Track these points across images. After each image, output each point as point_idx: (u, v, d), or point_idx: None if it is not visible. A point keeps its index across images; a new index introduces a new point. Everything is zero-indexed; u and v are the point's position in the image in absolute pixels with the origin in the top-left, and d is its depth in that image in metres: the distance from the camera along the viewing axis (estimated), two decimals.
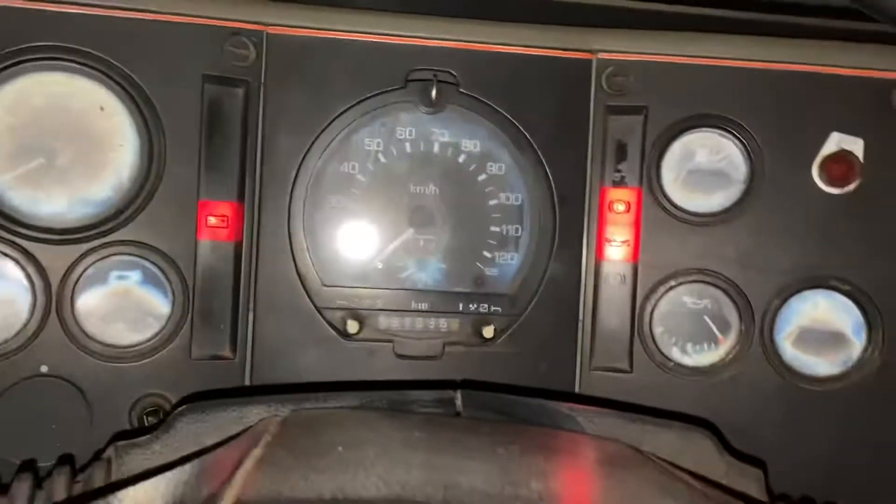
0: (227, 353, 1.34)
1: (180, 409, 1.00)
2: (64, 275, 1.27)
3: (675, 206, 1.42)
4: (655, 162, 1.42)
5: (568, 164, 1.41)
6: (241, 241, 1.34)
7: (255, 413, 0.97)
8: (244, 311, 1.34)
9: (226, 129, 1.33)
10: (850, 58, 1.40)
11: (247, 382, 1.34)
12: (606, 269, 1.43)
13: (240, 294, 1.34)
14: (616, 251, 1.43)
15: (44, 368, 1.25)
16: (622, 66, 1.41)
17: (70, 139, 1.27)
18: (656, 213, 1.42)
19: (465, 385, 1.15)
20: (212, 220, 1.32)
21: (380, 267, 1.41)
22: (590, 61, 1.41)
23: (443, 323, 1.42)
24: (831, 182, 1.42)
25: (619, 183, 1.43)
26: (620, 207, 1.43)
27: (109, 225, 1.28)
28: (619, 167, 1.43)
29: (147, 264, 1.30)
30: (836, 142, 1.42)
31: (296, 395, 1.00)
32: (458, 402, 1.03)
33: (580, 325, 1.42)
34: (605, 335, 1.43)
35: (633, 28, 1.43)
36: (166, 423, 0.98)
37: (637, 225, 1.42)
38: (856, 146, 1.42)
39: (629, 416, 1.06)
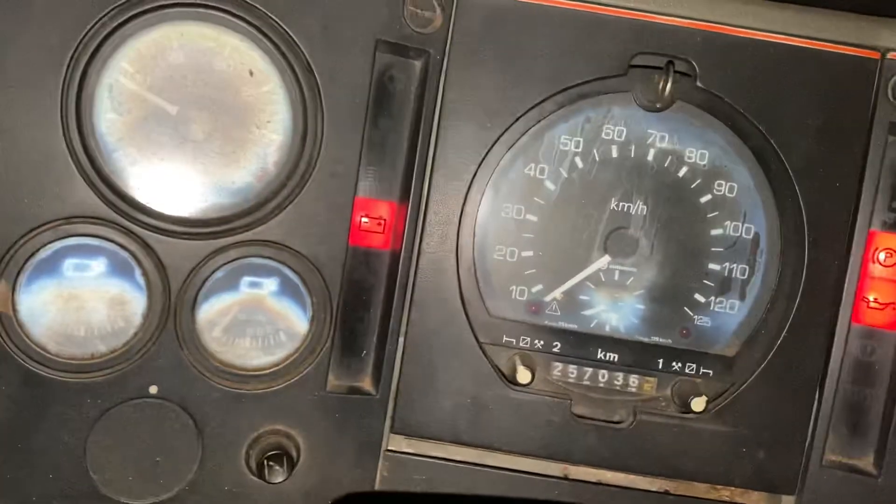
0: (368, 386, 1.09)
1: None
2: (187, 276, 1.04)
3: None
4: None
5: (828, 195, 1.08)
6: (399, 251, 1.07)
7: None
8: (393, 337, 1.08)
9: (395, 109, 1.06)
10: None
11: (387, 426, 1.09)
12: (862, 336, 1.11)
13: (391, 315, 1.08)
14: (877, 315, 1.10)
15: (153, 389, 1.03)
16: None
17: (209, 109, 1.03)
18: None
19: None
20: (365, 222, 1.06)
21: (560, 299, 1.12)
22: (874, 62, 1.07)
23: (633, 381, 1.12)
24: None
25: (891, 227, 1.09)
26: (889, 259, 1.08)
27: (247, 219, 1.04)
28: None
29: (287, 271, 1.06)
30: None
31: None
32: None
33: (817, 405, 1.09)
34: (849, 423, 1.11)
35: None
36: None
37: None
38: None
39: None
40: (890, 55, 1.06)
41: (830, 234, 1.08)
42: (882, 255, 1.09)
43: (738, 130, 1.09)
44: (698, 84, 1.06)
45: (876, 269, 1.09)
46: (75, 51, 0.98)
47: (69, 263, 1.02)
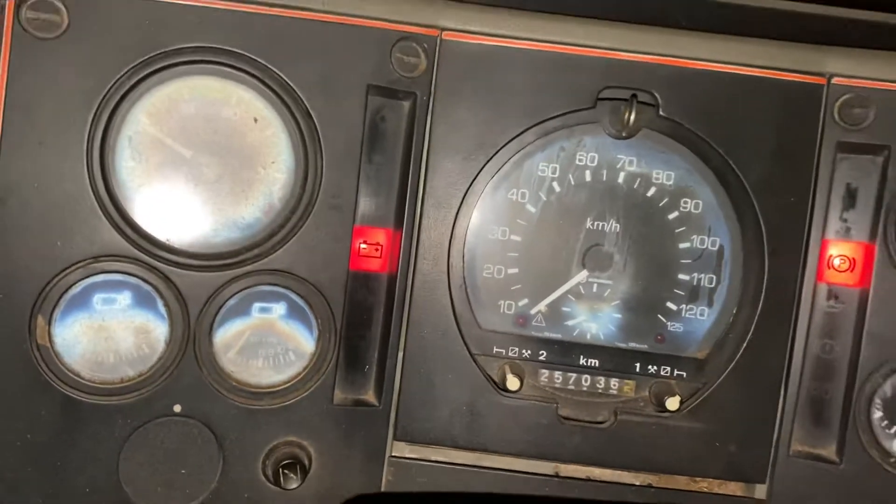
0: (371, 398, 1.19)
1: None
2: (204, 305, 1.14)
3: None
4: (894, 215, 1.17)
5: (784, 208, 1.18)
6: (396, 273, 1.18)
7: None
8: (392, 352, 1.18)
9: (387, 146, 1.16)
10: None
11: (390, 434, 1.19)
12: (821, 336, 1.20)
13: (390, 332, 1.18)
14: (835, 316, 1.19)
15: (177, 408, 1.13)
16: (861, 94, 1.16)
17: (219, 154, 1.13)
18: (888, 274, 1.17)
19: None
20: (364, 248, 1.16)
21: (544, 312, 1.22)
22: (821, 87, 1.17)
23: (614, 384, 1.22)
24: None
25: (843, 235, 1.19)
26: (843, 265, 1.18)
27: (256, 251, 1.14)
28: (846, 216, 1.19)
29: (294, 296, 1.16)
30: None
31: None
32: None
33: (782, 400, 1.19)
34: (812, 416, 1.20)
35: (879, 48, 1.17)
36: None
37: (862, 288, 1.18)
38: None
39: None
40: (835, 80, 1.16)
41: (788, 244, 1.18)
42: (836, 261, 1.19)
43: (699, 153, 1.19)
44: (661, 113, 1.16)
45: (831, 274, 1.19)
46: (98, 108, 1.08)
47: (98, 298, 1.12)
